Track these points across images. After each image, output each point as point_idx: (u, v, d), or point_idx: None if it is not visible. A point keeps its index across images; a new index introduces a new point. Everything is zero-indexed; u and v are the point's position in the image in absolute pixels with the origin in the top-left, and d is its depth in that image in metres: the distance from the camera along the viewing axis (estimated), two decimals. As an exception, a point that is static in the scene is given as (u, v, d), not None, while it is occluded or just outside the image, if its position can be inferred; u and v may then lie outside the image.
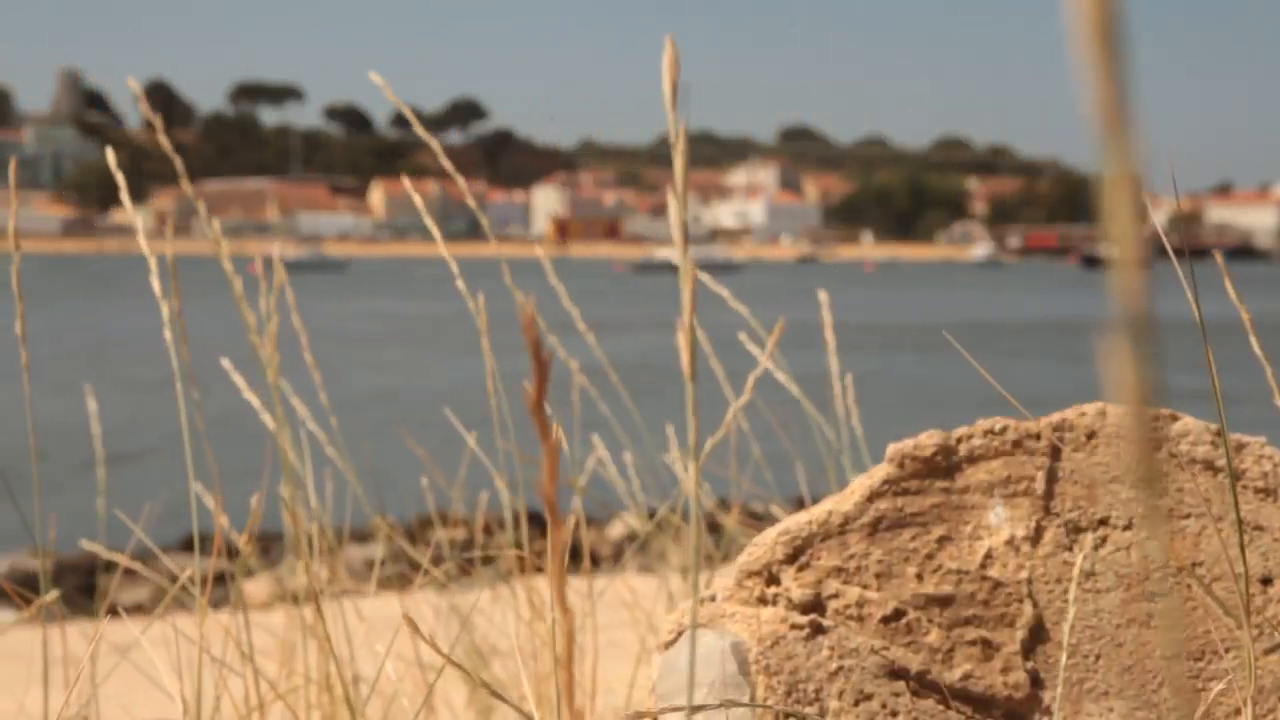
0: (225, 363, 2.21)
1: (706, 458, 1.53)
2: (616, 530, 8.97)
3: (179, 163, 2.12)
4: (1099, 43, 0.30)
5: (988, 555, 1.46)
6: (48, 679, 1.88)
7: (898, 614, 1.44)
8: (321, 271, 79.33)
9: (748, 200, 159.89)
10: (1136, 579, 1.45)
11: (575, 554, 4.71)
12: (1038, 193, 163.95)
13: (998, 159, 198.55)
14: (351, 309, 43.35)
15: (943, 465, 1.48)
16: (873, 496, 1.47)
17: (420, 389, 20.86)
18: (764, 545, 1.47)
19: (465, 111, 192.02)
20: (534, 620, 2.31)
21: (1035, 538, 1.46)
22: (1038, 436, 1.48)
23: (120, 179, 1.86)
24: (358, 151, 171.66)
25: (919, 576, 1.45)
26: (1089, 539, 1.46)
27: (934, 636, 1.44)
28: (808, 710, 1.39)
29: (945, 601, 1.45)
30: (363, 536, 8.24)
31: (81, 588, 7.67)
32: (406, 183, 2.23)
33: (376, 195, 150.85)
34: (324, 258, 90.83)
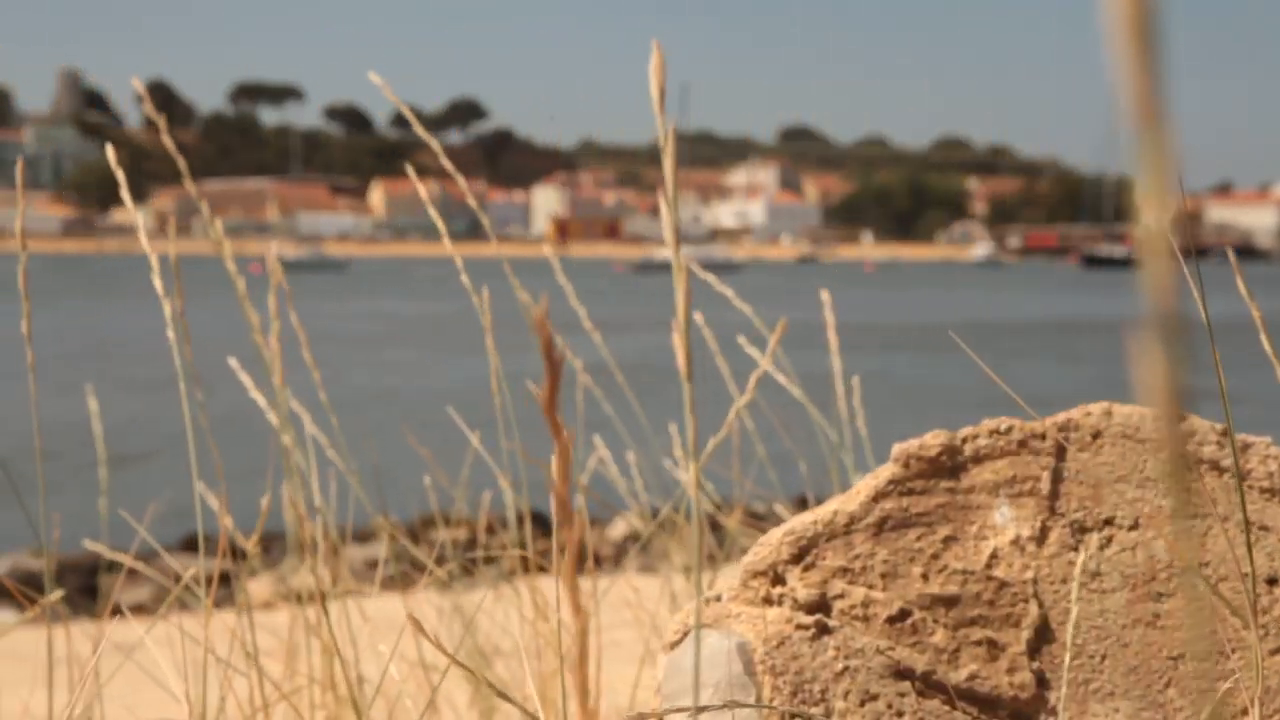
0: (233, 362, 2.21)
1: (708, 458, 1.53)
2: (618, 530, 8.97)
3: (182, 162, 2.12)
4: (1135, 39, 0.30)
5: (993, 555, 1.46)
6: (52, 679, 1.88)
7: (903, 614, 1.44)
8: (321, 271, 79.33)
9: (748, 200, 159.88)
10: (1142, 579, 1.44)
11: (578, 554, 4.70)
12: (1038, 193, 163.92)
13: (998, 159, 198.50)
14: (351, 309, 43.35)
15: (948, 465, 1.48)
16: (878, 496, 1.47)
17: (421, 389, 20.86)
18: (769, 545, 1.47)
19: (465, 111, 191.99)
20: (537, 620, 2.31)
21: (1040, 538, 1.46)
22: (1043, 436, 1.48)
23: (121, 177, 1.86)
24: (358, 151, 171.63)
25: (924, 577, 1.45)
26: (1094, 539, 1.46)
27: (939, 637, 1.44)
28: (813, 710, 1.39)
29: (951, 602, 1.44)
30: (363, 536, 8.24)
31: (82, 588, 7.68)
32: (412, 174, 2.22)
33: (376, 195, 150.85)
34: (324, 258, 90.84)
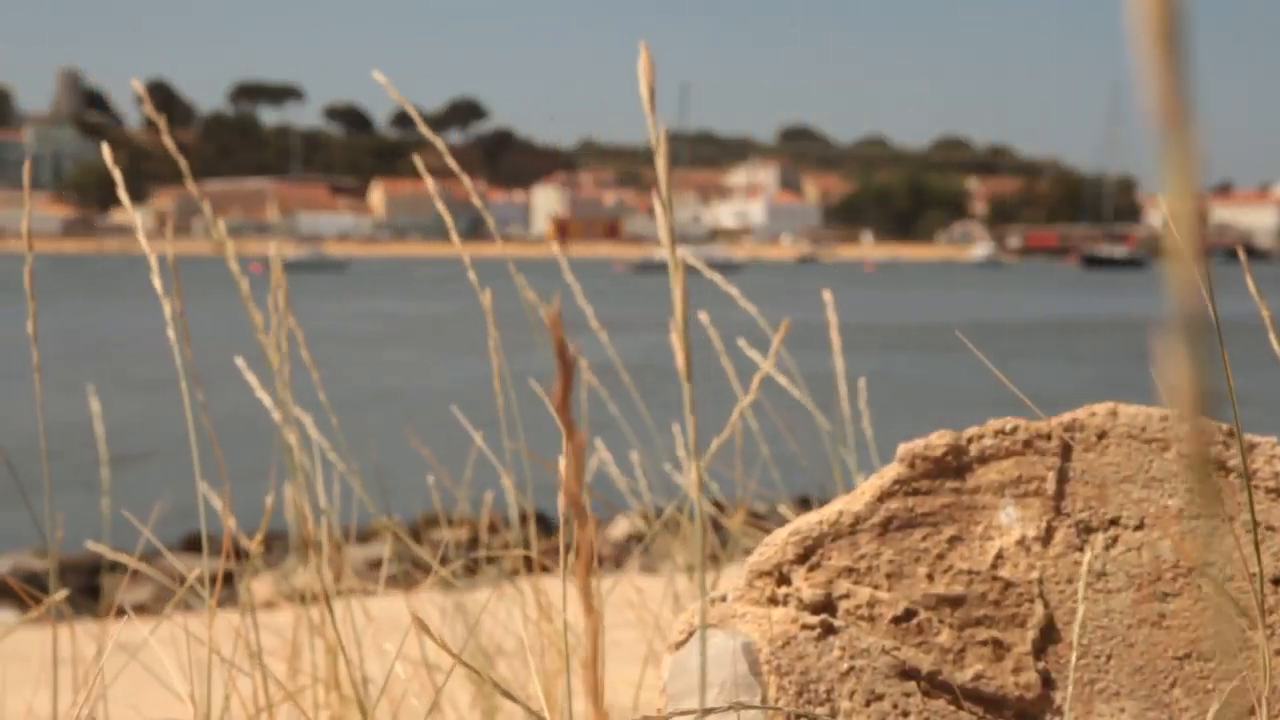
0: (240, 361, 2.21)
1: (712, 458, 1.53)
2: (619, 530, 8.97)
3: (182, 162, 2.12)
4: (1161, 40, 0.30)
5: (999, 555, 1.46)
6: (56, 679, 1.88)
7: (909, 614, 1.44)
8: (321, 271, 79.33)
9: (748, 200, 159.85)
10: (1148, 579, 1.44)
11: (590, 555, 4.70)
12: (1038, 193, 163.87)
13: (998, 159, 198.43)
14: (351, 309, 43.35)
15: (953, 465, 1.48)
16: (883, 496, 1.47)
17: (421, 389, 20.87)
18: (774, 545, 1.47)
19: (465, 111, 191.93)
20: (541, 620, 2.30)
21: (1046, 538, 1.46)
22: (1048, 436, 1.48)
23: (118, 176, 1.86)
24: (358, 151, 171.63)
25: (930, 577, 1.45)
26: (1100, 539, 1.46)
27: (945, 637, 1.43)
28: (819, 711, 1.39)
29: (956, 602, 1.44)
30: (365, 536, 8.24)
31: (84, 588, 7.68)
32: (421, 168, 2.22)
33: (376, 195, 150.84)
34: (324, 258, 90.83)
